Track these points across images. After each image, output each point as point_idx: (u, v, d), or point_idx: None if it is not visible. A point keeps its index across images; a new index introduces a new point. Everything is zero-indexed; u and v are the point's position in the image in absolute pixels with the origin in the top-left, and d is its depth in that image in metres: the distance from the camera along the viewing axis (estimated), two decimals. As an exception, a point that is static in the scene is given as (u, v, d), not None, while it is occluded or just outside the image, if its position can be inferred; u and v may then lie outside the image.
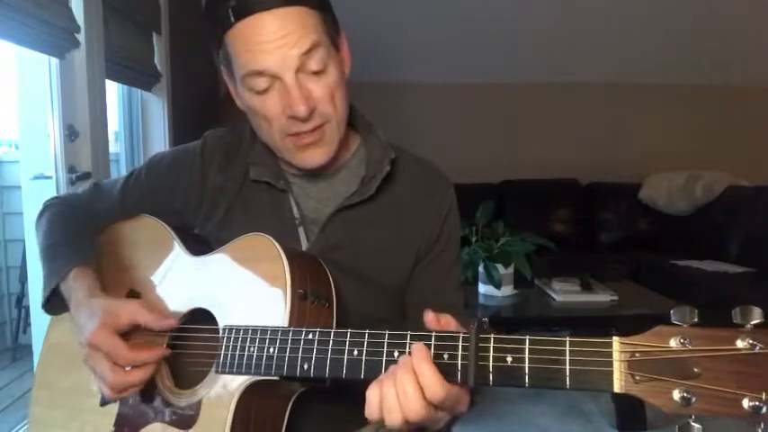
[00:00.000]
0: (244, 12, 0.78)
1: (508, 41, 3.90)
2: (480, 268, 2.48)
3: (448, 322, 0.66)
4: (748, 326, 0.50)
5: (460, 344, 0.60)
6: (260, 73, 0.80)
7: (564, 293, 2.46)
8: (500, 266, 2.44)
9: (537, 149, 4.29)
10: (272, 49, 0.78)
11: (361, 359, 0.65)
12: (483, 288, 2.51)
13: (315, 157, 0.86)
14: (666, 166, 3.96)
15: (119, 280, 0.92)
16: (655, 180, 3.96)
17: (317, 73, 0.81)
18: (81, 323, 0.81)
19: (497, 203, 3.43)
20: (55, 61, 1.80)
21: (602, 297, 2.43)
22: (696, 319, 0.52)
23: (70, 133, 1.86)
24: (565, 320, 2.41)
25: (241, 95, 0.85)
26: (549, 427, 2.44)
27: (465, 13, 3.71)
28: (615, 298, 2.40)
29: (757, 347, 0.49)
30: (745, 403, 0.49)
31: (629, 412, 2.39)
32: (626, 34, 3.86)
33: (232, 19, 0.79)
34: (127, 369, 0.77)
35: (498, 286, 2.44)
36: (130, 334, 0.83)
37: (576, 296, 2.46)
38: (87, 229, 0.97)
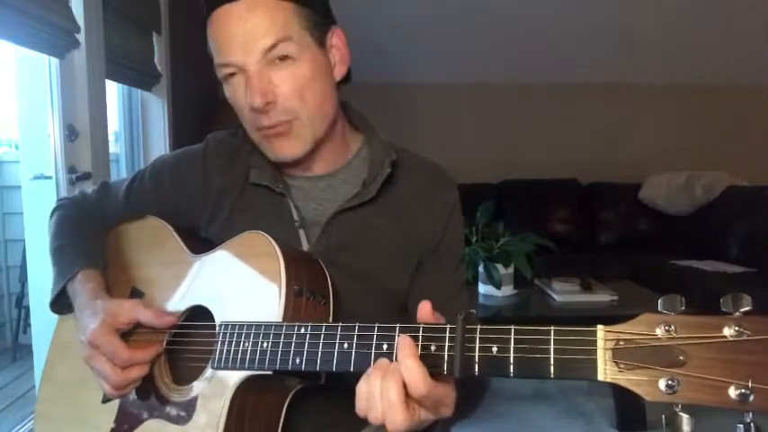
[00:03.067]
0: (214, 4, 0.80)
1: (508, 42, 3.90)
2: (480, 268, 2.48)
3: (438, 318, 0.65)
4: (737, 313, 0.49)
5: (447, 335, 0.60)
6: (225, 65, 0.81)
7: (564, 293, 2.46)
8: (500, 266, 2.44)
9: (537, 149, 4.29)
10: (237, 43, 0.79)
11: (351, 352, 0.65)
12: (483, 288, 2.51)
13: (283, 149, 0.85)
14: (666, 166, 3.96)
15: (122, 279, 0.94)
16: (655, 180, 3.96)
17: (282, 64, 0.80)
18: (83, 324, 0.82)
19: (497, 203, 3.43)
20: (55, 61, 1.80)
21: (602, 297, 2.43)
22: (683, 308, 0.51)
23: (70, 133, 1.86)
24: (565, 320, 2.41)
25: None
26: (549, 427, 2.44)
27: (465, 13, 3.72)
28: (615, 298, 2.40)
29: (744, 335, 0.48)
30: (731, 391, 0.48)
31: (629, 412, 2.39)
32: (626, 34, 3.86)
33: (205, 11, 0.82)
34: (125, 367, 0.79)
35: (498, 286, 2.44)
36: (132, 332, 0.84)
37: (576, 296, 2.46)
38: (94, 231, 0.98)
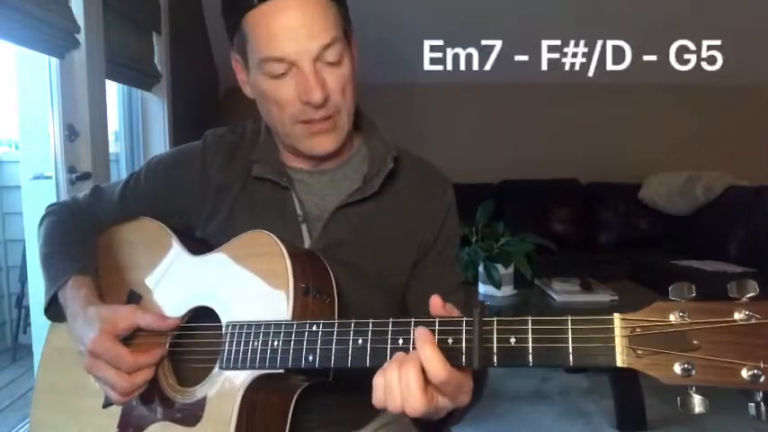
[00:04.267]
0: None
1: (509, 41, 3.89)
2: (480, 268, 2.48)
3: (451, 310, 0.66)
4: (744, 299, 0.51)
5: (464, 328, 0.62)
6: (279, 59, 0.80)
7: (564, 293, 2.46)
8: (500, 266, 2.44)
9: (537, 149, 4.29)
10: (294, 37, 0.79)
11: (366, 347, 0.66)
12: (483, 288, 2.51)
13: (324, 143, 0.86)
14: (666, 166, 3.96)
15: (119, 282, 0.93)
16: (655, 180, 3.96)
17: (332, 64, 0.82)
18: (78, 333, 0.81)
19: (497, 203, 3.43)
20: (55, 61, 1.80)
21: (602, 297, 2.43)
22: (693, 294, 0.54)
23: (70, 133, 1.86)
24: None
25: (254, 79, 0.85)
26: (549, 427, 2.44)
27: (465, 12, 3.71)
28: (615, 298, 2.40)
29: (753, 319, 0.50)
30: (744, 373, 0.50)
31: (629, 412, 2.39)
32: (626, 34, 3.85)
33: (255, 1, 0.79)
34: (131, 373, 0.78)
35: (498, 286, 2.43)
36: (132, 336, 0.83)
37: (576, 296, 2.46)
38: (86, 236, 0.97)
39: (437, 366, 0.59)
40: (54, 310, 0.90)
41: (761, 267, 3.13)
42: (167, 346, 0.83)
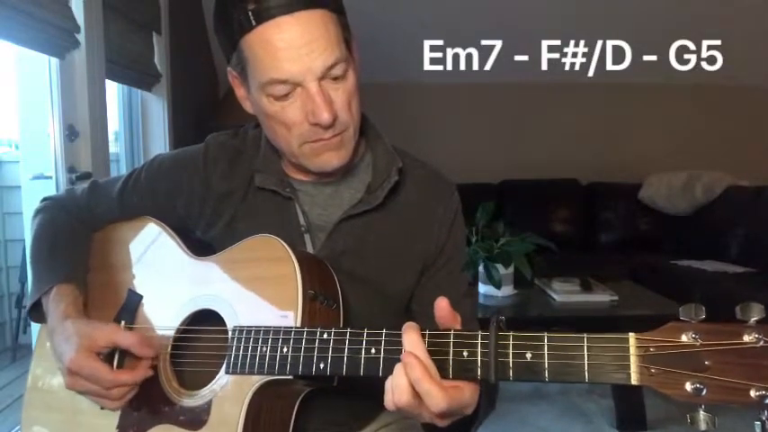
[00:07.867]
0: (265, 15, 0.74)
1: (509, 41, 3.89)
2: (480, 268, 2.47)
3: (456, 318, 0.66)
4: (750, 321, 0.53)
5: (479, 341, 0.62)
6: (283, 81, 0.77)
7: (564, 293, 2.46)
8: (500, 266, 2.44)
9: (537, 149, 4.29)
10: (297, 57, 0.75)
11: (380, 357, 0.66)
12: (483, 288, 2.51)
13: (332, 160, 0.84)
14: (666, 166, 3.96)
15: (117, 281, 0.92)
16: (655, 180, 3.96)
17: (337, 80, 0.79)
18: (57, 351, 0.81)
19: (497, 203, 3.42)
20: (55, 61, 1.81)
21: (602, 297, 2.43)
22: (703, 315, 0.55)
23: (70, 133, 1.87)
24: (565, 321, 2.41)
25: (257, 101, 0.82)
26: (549, 427, 2.44)
27: (465, 12, 3.71)
28: (615, 298, 2.40)
29: (761, 341, 0.53)
30: (752, 393, 0.52)
31: (629, 412, 2.39)
32: (626, 34, 3.85)
33: (253, 22, 0.75)
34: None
35: (498, 286, 2.43)
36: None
37: (576, 296, 2.45)
38: (77, 238, 0.96)
39: (414, 340, 0.62)
40: (38, 315, 0.90)
41: (761, 267, 3.13)
42: (169, 349, 0.83)
